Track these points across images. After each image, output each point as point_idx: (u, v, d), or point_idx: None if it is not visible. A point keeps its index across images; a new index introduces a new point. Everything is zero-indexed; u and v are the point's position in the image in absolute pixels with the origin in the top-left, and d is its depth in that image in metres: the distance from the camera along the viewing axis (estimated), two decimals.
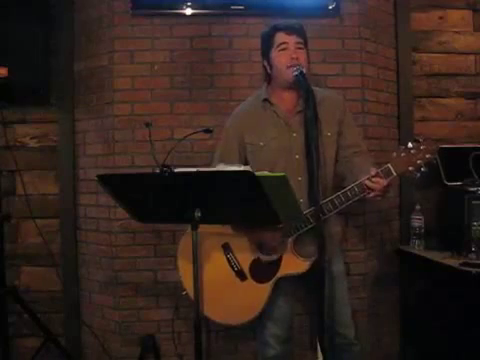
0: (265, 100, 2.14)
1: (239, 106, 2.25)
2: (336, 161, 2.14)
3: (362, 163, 2.05)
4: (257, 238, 2.08)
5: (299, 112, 2.08)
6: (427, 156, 1.90)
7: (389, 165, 1.92)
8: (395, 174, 1.92)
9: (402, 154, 1.92)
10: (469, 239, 2.45)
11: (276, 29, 2.09)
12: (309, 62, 2.13)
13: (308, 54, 2.12)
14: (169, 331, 2.53)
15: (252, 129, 2.13)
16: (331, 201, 1.97)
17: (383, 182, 1.90)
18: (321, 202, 1.93)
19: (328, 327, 1.95)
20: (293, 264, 2.04)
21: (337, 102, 2.19)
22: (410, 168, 1.91)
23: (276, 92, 2.15)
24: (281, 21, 2.11)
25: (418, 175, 1.93)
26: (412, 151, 1.91)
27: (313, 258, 1.98)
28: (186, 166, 1.96)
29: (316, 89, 2.14)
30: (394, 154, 1.93)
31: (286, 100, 2.12)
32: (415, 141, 1.93)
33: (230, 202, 1.74)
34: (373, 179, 1.91)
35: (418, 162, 1.90)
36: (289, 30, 2.06)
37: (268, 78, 2.18)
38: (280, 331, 2.16)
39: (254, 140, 2.12)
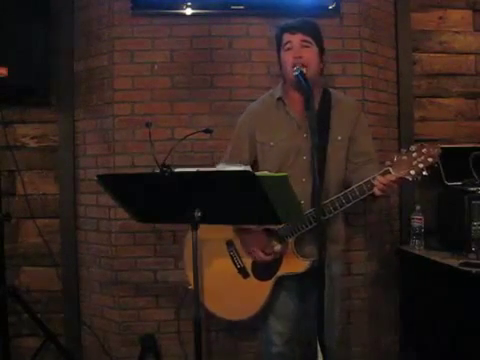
0: (279, 99, 2.13)
1: (253, 103, 2.23)
2: (345, 166, 2.10)
3: (372, 172, 1.96)
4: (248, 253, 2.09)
5: None
6: (429, 160, 1.85)
7: (389, 168, 1.89)
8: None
9: (403, 157, 1.88)
10: (469, 239, 2.45)
11: (282, 30, 2.09)
12: (323, 60, 2.11)
13: (320, 51, 2.09)
14: (169, 331, 2.54)
15: (264, 128, 2.13)
16: (331, 202, 1.96)
17: (392, 178, 1.86)
18: (322, 202, 1.92)
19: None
20: (293, 264, 2.04)
21: (352, 107, 2.16)
22: (411, 171, 1.86)
23: (288, 92, 2.13)
24: (288, 21, 2.10)
25: (419, 179, 1.88)
26: (413, 154, 1.87)
27: (313, 258, 1.98)
28: (186, 166, 1.96)
29: (333, 91, 2.14)
30: (395, 157, 1.89)
31: (298, 101, 2.09)
32: (417, 144, 1.89)
33: (230, 202, 1.74)
34: (384, 176, 1.87)
35: (420, 166, 1.85)
36: (293, 29, 2.05)
37: (283, 77, 2.17)
38: (284, 329, 2.16)
39: (265, 139, 2.12)
